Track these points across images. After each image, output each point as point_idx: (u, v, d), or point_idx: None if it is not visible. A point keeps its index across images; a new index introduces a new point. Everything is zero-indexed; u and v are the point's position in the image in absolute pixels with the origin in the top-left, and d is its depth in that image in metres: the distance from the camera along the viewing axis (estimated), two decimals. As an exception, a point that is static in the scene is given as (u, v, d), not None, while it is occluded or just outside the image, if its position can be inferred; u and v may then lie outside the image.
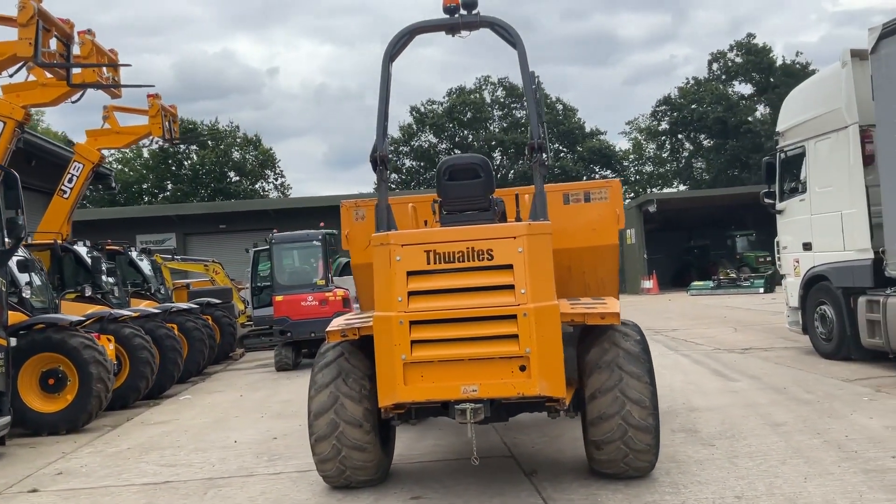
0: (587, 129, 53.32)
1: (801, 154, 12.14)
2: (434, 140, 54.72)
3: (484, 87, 54.99)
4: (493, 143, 52.50)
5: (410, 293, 5.49)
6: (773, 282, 31.49)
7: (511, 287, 5.41)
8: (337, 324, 6.24)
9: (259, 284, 20.94)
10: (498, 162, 53.73)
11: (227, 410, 10.93)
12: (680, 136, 48.45)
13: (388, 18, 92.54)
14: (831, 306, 11.47)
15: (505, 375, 5.39)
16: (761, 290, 30.16)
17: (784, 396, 9.16)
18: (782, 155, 12.72)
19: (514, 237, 5.51)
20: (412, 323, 5.44)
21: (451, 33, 6.33)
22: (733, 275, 32.33)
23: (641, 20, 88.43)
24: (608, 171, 52.16)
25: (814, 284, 11.93)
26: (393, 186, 54.21)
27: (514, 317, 5.36)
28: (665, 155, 51.50)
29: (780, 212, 12.92)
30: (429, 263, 5.52)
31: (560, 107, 53.54)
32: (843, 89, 10.86)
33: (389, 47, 6.22)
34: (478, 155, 6.65)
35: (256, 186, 57.77)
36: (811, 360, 11.65)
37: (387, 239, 5.63)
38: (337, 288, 15.61)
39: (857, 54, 10.69)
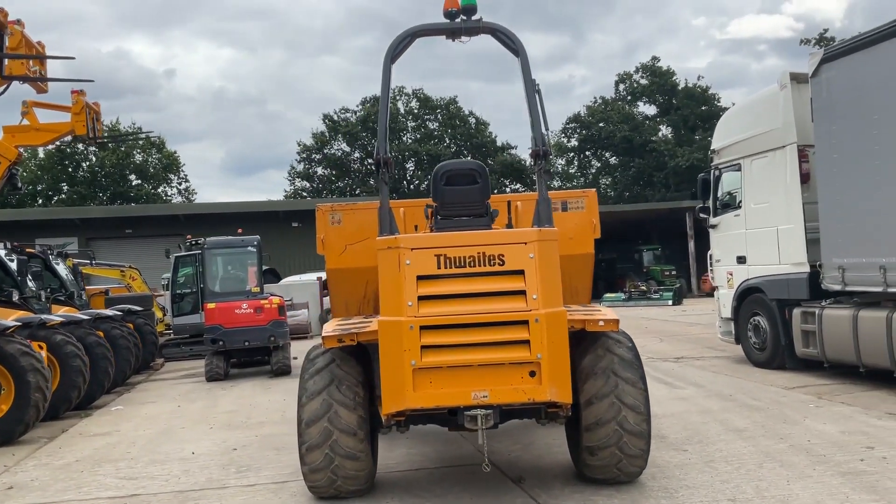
0: (498, 143, 54.15)
1: (736, 171, 12.67)
2: (347, 149, 54.34)
3: (398, 98, 55.01)
4: (407, 153, 52.54)
5: (420, 298, 5.40)
6: (680, 294, 32.75)
7: (522, 293, 5.41)
8: (331, 330, 6.08)
9: (180, 291, 20.26)
10: (411, 173, 53.83)
11: (170, 421, 10.47)
12: (588, 153, 49.81)
13: (291, 24, 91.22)
14: (765, 317, 11.99)
15: (514, 381, 5.37)
16: (670, 302, 31.29)
17: (734, 403, 9.50)
18: (717, 172, 13.24)
19: (525, 243, 5.51)
20: (422, 328, 5.35)
21: (452, 38, 6.30)
22: (644, 287, 33.39)
23: (542, 40, 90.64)
24: (518, 185, 53.02)
25: (747, 296, 12.44)
26: (305, 195, 53.48)
27: (525, 322, 5.36)
28: (573, 171, 52.85)
29: (713, 226, 13.43)
30: (439, 268, 5.46)
31: (473, 120, 54.15)
32: (780, 111, 11.41)
33: (391, 49, 6.14)
34: (474, 160, 6.63)
35: (159, 191, 55.85)
36: (746, 369, 12.13)
37: (395, 242, 5.53)
38: (272, 295, 15.22)
39: (795, 77, 11.26)
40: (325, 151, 54.25)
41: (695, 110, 46.00)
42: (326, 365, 6.13)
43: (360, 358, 6.29)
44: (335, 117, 54.22)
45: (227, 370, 14.99)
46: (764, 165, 11.93)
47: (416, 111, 55.18)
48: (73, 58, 13.67)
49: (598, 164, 49.91)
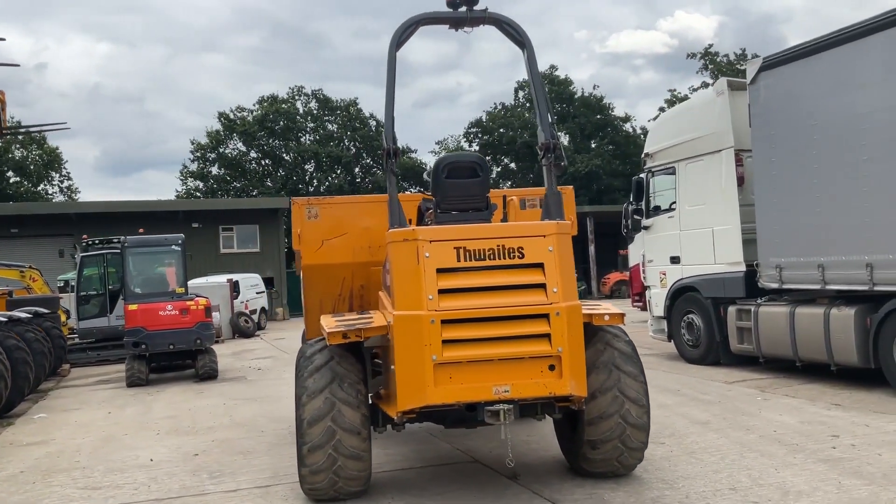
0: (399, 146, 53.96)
1: (670, 174, 13.08)
2: (243, 148, 52.89)
3: (297, 98, 54.04)
4: (307, 154, 51.65)
5: (441, 291, 5.27)
6: (586, 296, 33.62)
7: (542, 286, 5.36)
8: (333, 325, 5.84)
9: (85, 293, 19.17)
10: (311, 174, 52.97)
11: (108, 429, 9.83)
12: (488, 157, 50.44)
13: (173, 20, 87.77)
14: (699, 315, 12.43)
15: (535, 375, 5.32)
16: (575, 303, 32.04)
17: (685, 398, 9.78)
18: (650, 175, 13.64)
19: (544, 235, 5.47)
20: (444, 322, 5.22)
21: (455, 27, 6.20)
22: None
23: (430, 47, 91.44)
24: (419, 188, 53.08)
25: (681, 295, 12.87)
26: (199, 195, 51.70)
27: (545, 316, 5.31)
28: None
29: (646, 227, 13.82)
30: (459, 261, 5.34)
31: (373, 123, 53.81)
32: (717, 117, 11.86)
33: (396, 36, 5.99)
34: (476, 153, 6.55)
35: (39, 189, 52.70)
36: (681, 365, 12.52)
37: (413, 234, 5.38)
38: (198, 296, 14.58)
39: (732, 85, 11.74)
40: (221, 151, 52.64)
41: (591, 119, 47.41)
42: (326, 362, 5.91)
43: (358, 355, 6.10)
44: (231, 116, 52.71)
45: (148, 375, 14.25)
46: (699, 169, 12.36)
47: (315, 112, 54.34)
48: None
49: (499, 169, 50.65)
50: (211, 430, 9.26)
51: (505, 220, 6.68)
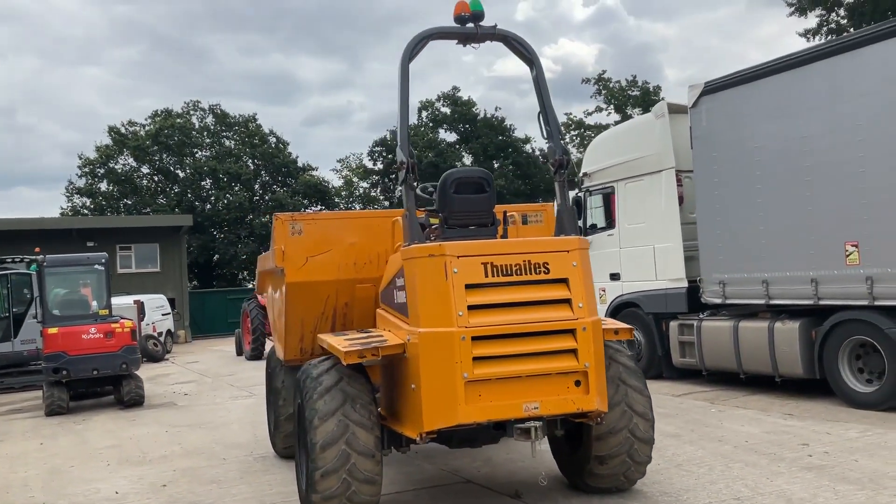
0: (300, 164, 53.20)
1: (609, 193, 13.41)
2: (135, 164, 50.67)
3: (193, 112, 52.38)
4: (203, 171, 50.04)
5: (470, 307, 5.17)
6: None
7: (567, 301, 5.36)
8: (346, 345, 5.63)
9: (-16, 316, 17.85)
10: (207, 191, 51.30)
11: (49, 461, 9.13)
12: (392, 176, 50.37)
13: (47, 30, 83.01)
14: (640, 330, 12.74)
15: (562, 391, 5.29)
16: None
17: (642, 412, 9.96)
18: (587, 193, 13.94)
19: (568, 251, 5.48)
20: (474, 339, 5.13)
21: (464, 43, 6.16)
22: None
23: (319, 65, 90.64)
24: (322, 206, 52.38)
25: (621, 310, 13.16)
26: (87, 213, 49.19)
27: (571, 331, 5.31)
28: (375, 194, 53.17)
29: (584, 246, 14.06)
30: (487, 276, 5.27)
31: (273, 139, 52.81)
32: (657, 138, 12.26)
33: (407, 50, 5.87)
34: (481, 169, 6.48)
35: None
36: (623, 381, 12.77)
37: (441, 250, 5.26)
38: (123, 318, 13.81)
39: (671, 108, 12.18)
40: (111, 166, 50.30)
41: (493, 139, 48.16)
42: (336, 383, 5.70)
43: (365, 375, 5.92)
44: (123, 130, 50.47)
45: (69, 403, 13.37)
46: (639, 188, 12.72)
47: (212, 128, 52.78)
48: None
49: (402, 187, 50.66)
50: (166, 460, 8.75)
51: (505, 236, 6.64)
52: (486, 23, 6.03)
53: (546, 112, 6.09)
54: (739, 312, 11.23)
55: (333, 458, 5.46)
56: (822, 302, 9.75)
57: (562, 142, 6.07)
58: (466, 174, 6.20)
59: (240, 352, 22.53)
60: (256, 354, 20.70)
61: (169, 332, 27.15)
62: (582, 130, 51.91)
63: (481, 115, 49.72)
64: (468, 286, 5.21)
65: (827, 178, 9.60)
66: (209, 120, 53.13)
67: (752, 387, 11.06)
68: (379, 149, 49.63)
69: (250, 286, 53.53)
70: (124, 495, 7.21)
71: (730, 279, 11.06)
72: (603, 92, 50.72)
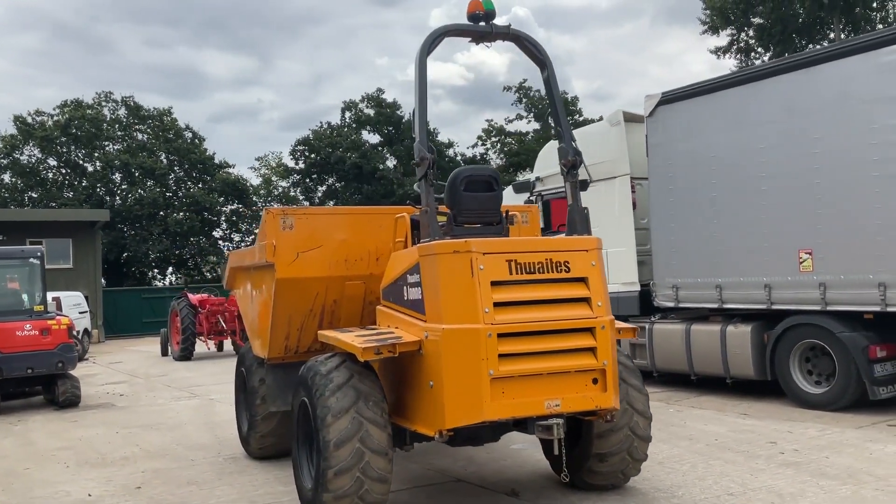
0: (216, 161, 51.85)
1: (561, 198, 13.61)
2: (40, 155, 48.32)
3: (105, 104, 50.36)
4: (114, 165, 48.14)
5: (496, 304, 5.18)
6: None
7: (587, 300, 5.43)
8: (360, 341, 5.54)
9: None
10: (118, 185, 49.38)
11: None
12: (314, 176, 49.70)
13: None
14: (591, 333, 12.99)
15: (580, 389, 5.36)
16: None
17: (604, 412, 10.18)
18: (539, 198, 14.12)
19: (587, 250, 5.56)
20: (500, 336, 5.14)
21: (477, 41, 6.17)
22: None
23: (228, 60, 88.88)
24: (240, 205, 51.20)
25: (571, 314, 13.37)
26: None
27: (590, 330, 5.39)
28: (295, 194, 52.36)
29: (534, 249, 14.24)
30: (511, 273, 5.29)
31: (189, 134, 51.31)
32: (613, 145, 12.55)
33: (425, 46, 5.83)
34: (490, 167, 6.49)
35: None
36: (573, 382, 13.00)
37: (466, 246, 5.25)
38: (59, 315, 13.15)
39: (627, 117, 12.50)
40: (15, 157, 47.83)
41: (419, 142, 48.15)
42: (347, 380, 5.61)
43: (374, 372, 5.85)
44: (30, 120, 48.07)
45: (-2, 403, 12.66)
46: (593, 194, 12.94)
47: (124, 120, 50.88)
48: None
49: (324, 188, 50.01)
50: (129, 461, 8.39)
51: (506, 235, 6.68)
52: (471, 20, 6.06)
53: (558, 113, 6.16)
54: (690, 316, 11.61)
55: (347, 456, 5.37)
56: (775, 307, 10.18)
57: (573, 144, 6.16)
58: (476, 172, 6.20)
59: (165, 352, 21.81)
60: (185, 355, 20.08)
61: (86, 331, 26.02)
62: (503, 137, 52.66)
63: (406, 117, 49.63)
64: (494, 283, 5.22)
65: (782, 188, 10.04)
66: (121, 112, 51.26)
67: (702, 388, 11.44)
68: (301, 148, 48.87)
69: (161, 285, 51.99)
70: (99, 498, 6.88)
71: (683, 283, 11.42)
72: (524, 100, 51.57)
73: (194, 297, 20.90)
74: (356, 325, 7.21)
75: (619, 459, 6.20)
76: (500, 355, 5.13)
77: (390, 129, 49.46)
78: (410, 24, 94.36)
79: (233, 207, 51.46)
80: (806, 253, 9.79)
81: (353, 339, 5.65)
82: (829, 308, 9.57)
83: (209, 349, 21.84)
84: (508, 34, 6.12)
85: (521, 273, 5.32)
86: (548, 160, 14.30)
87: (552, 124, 6.26)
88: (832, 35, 40.80)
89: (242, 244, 54.12)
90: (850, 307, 9.37)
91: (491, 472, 7.28)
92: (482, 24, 6.05)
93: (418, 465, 7.63)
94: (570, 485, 6.56)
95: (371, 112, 49.91)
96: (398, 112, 49.54)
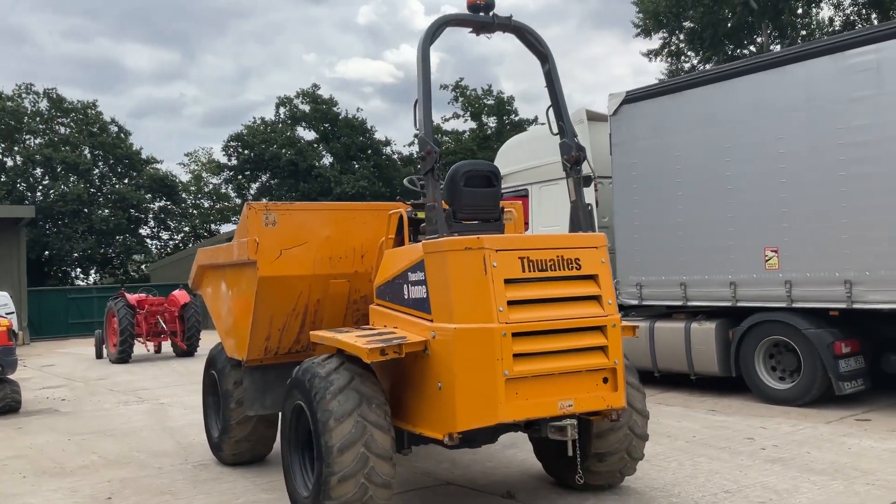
0: (143, 156, 50.20)
1: (523, 196, 13.57)
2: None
3: (25, 95, 48.20)
4: (36, 159, 46.11)
5: (509, 303, 5.02)
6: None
7: (597, 298, 5.33)
8: (363, 341, 5.30)
9: None
10: (38, 181, 47.31)
11: (-59, 476, 8.03)
12: (247, 173, 48.58)
13: None
14: (551, 332, 12.97)
15: (592, 388, 5.25)
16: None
17: (574, 410, 10.15)
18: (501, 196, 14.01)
19: (597, 247, 5.45)
20: (514, 335, 4.98)
21: (478, 32, 5.99)
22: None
23: (150, 53, 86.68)
24: (168, 202, 49.70)
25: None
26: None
27: (601, 328, 5.28)
28: (227, 191, 51.17)
29: (492, 247, 14.16)
30: (524, 271, 5.13)
31: (114, 129, 49.49)
32: (576, 143, 12.53)
33: (427, 36, 5.62)
34: (489, 162, 6.32)
35: None
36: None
37: (479, 243, 5.07)
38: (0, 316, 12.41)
39: (589, 115, 12.51)
40: None
41: (355, 140, 47.60)
42: (348, 382, 5.38)
43: (374, 374, 5.62)
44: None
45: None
46: (554, 192, 12.92)
47: (46, 113, 48.79)
48: None
49: (257, 185, 48.94)
50: (90, 471, 7.93)
51: (502, 232, 6.53)
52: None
53: (560, 107, 6.05)
54: (652, 313, 11.69)
55: (352, 462, 5.14)
56: (740, 304, 10.32)
57: (576, 139, 6.05)
58: (476, 167, 6.04)
59: (100, 354, 20.94)
60: (123, 357, 19.29)
61: (14, 332, 24.76)
62: (439, 136, 52.54)
63: (342, 114, 49.09)
64: (507, 281, 5.06)
65: (748, 187, 10.17)
66: (43, 105, 49.17)
67: (665, 384, 11.52)
68: (234, 144, 47.77)
69: (84, 284, 50.04)
70: (68, 511, 6.46)
71: (647, 281, 11.49)
72: (460, 99, 51.57)
73: (132, 297, 20.11)
74: (339, 324, 6.97)
75: (618, 459, 6.12)
76: (515, 355, 4.97)
77: (326, 125, 48.78)
78: (338, 20, 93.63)
79: (161, 204, 50.03)
80: (772, 251, 9.94)
81: (355, 339, 5.41)
82: (794, 305, 9.74)
83: (148, 351, 21.06)
84: (510, 25, 5.97)
85: (534, 270, 5.17)
86: (508, 157, 14.27)
87: (549, 119, 6.14)
88: (759, 40, 42.08)
89: (171, 243, 52.67)
90: (816, 304, 9.56)
91: (478, 475, 7.13)
92: (482, 14, 5.88)
93: (402, 468, 7.38)
94: (565, 485, 6.47)
95: (306, 108, 49.14)
96: (335, 108, 48.94)
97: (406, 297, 5.64)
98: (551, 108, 6.14)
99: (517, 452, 7.71)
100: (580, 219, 5.95)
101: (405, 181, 7.17)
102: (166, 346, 21.40)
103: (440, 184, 5.53)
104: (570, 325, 5.19)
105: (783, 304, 9.84)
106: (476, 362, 4.96)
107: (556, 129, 6.15)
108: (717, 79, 10.59)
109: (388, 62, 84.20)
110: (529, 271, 5.16)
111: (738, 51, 41.39)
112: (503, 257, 5.09)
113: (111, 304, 20.03)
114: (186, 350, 20.15)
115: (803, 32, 42.16)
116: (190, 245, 49.30)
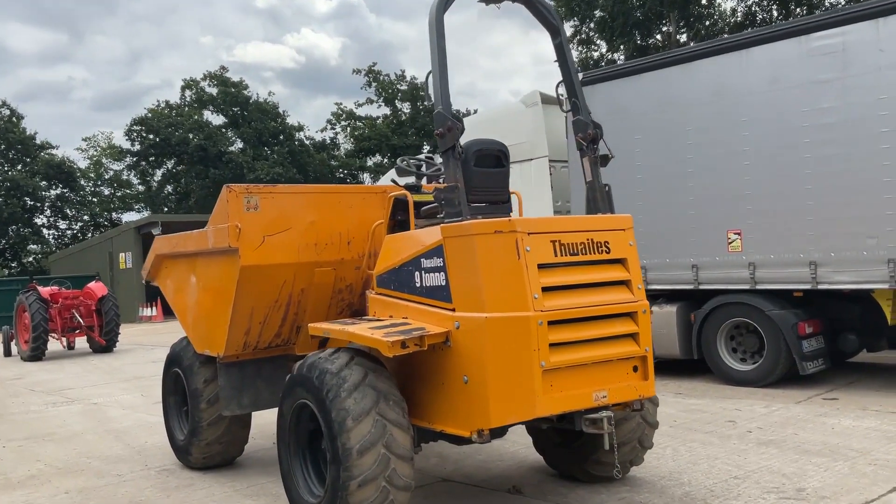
0: (38, 141, 47.34)
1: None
2: None
3: None
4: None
5: (543, 289, 4.70)
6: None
7: (626, 283, 5.08)
8: (379, 334, 4.88)
9: None
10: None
11: None
12: (151, 159, 46.44)
13: None
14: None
15: (623, 378, 5.02)
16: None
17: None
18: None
19: (625, 229, 5.19)
20: (550, 323, 4.67)
21: (487, 2, 5.62)
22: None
23: (34, 34, 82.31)
24: (66, 189, 47.06)
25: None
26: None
27: (632, 314, 5.04)
28: (129, 177, 48.80)
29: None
30: (556, 255, 4.82)
31: (6, 111, 46.45)
32: (531, 127, 12.35)
33: (441, 5, 5.20)
34: (496, 140, 5.95)
35: None
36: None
37: (511, 226, 4.71)
38: None
39: (545, 99, 12.32)
40: None
41: (267, 125, 46.19)
42: (363, 379, 4.96)
43: (386, 368, 5.23)
44: None
45: None
46: (511, 175, 12.70)
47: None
48: None
49: (162, 171, 46.90)
50: (40, 480, 7.21)
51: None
52: None
53: (573, 83, 5.75)
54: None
55: (373, 464, 4.74)
56: (702, 286, 10.34)
57: (590, 116, 5.77)
58: (486, 146, 5.69)
59: (9, 352, 19.55)
60: (37, 354, 18.04)
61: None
62: (353, 121, 51.72)
63: (253, 98, 47.62)
64: (540, 266, 4.74)
65: (710, 170, 10.18)
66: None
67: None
68: (138, 128, 45.66)
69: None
70: (32, 528, 5.79)
71: (606, 266, 11.38)
72: (374, 84, 50.90)
73: (44, 290, 18.81)
74: (323, 316, 6.52)
75: (629, 449, 5.91)
76: (551, 345, 4.67)
77: (236, 109, 47.23)
78: (236, 2, 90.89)
79: (58, 192, 47.38)
80: (735, 233, 9.98)
81: (371, 332, 4.98)
82: (758, 287, 9.81)
83: (63, 347, 19.79)
84: (520, -3, 5.63)
85: (566, 255, 4.87)
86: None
87: (559, 93, 5.84)
88: (665, 29, 43.06)
89: (69, 232, 49.92)
90: (780, 286, 9.64)
91: (473, 470, 6.82)
92: (494, -16, 5.53)
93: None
94: (570, 478, 6.25)
95: (214, 91, 47.43)
96: (245, 92, 47.41)
97: (419, 284, 5.25)
98: (562, 84, 5.82)
99: (504, 444, 7.44)
100: (598, 200, 5.66)
101: (398, 162, 6.76)
102: (81, 342, 20.17)
103: (459, 163, 5.11)
104: (602, 312, 4.92)
105: (747, 286, 9.90)
106: (510, 354, 4.63)
107: (567, 106, 5.81)
108: (678, 61, 10.55)
109: (289, 46, 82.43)
110: (561, 255, 4.85)
111: (647, 41, 42.27)
112: (536, 241, 4.76)
113: (21, 297, 18.68)
114: (105, 346, 19.02)
115: (707, 23, 43.35)
116: (89, 235, 46.91)
